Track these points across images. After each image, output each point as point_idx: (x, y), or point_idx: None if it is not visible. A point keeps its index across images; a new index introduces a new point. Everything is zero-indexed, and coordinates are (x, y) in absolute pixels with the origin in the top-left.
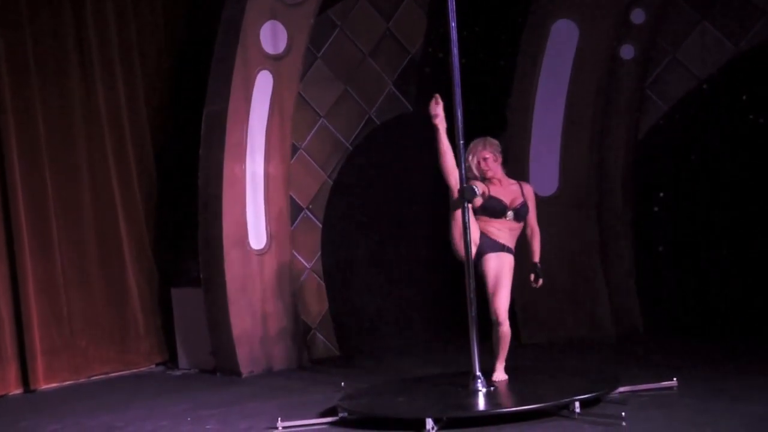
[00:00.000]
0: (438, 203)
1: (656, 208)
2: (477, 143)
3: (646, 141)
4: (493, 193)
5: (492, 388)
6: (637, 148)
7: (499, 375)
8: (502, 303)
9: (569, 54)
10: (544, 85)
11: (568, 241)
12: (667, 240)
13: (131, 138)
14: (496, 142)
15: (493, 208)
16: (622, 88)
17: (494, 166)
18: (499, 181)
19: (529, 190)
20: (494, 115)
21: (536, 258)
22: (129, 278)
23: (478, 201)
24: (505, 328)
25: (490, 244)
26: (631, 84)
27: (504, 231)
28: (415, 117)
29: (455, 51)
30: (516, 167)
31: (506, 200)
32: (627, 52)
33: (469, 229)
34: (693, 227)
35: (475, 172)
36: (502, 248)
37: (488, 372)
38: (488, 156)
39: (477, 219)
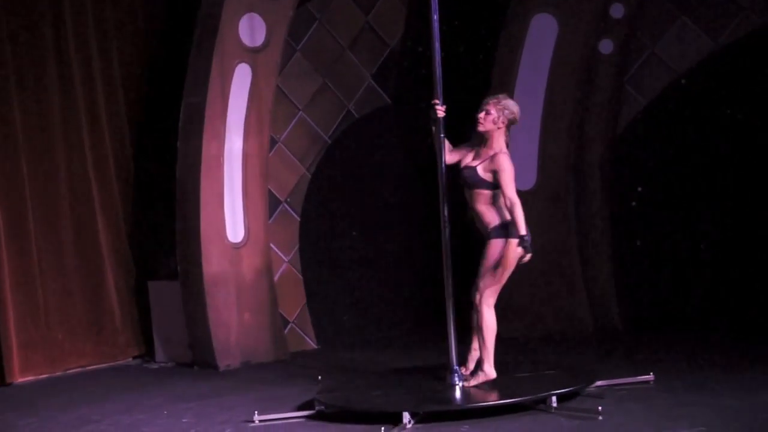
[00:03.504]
0: (417, 195)
1: (634, 203)
2: (491, 97)
3: (624, 135)
4: (465, 158)
5: (462, 384)
6: (615, 143)
7: (487, 373)
8: (481, 286)
9: (548, 48)
10: (524, 79)
11: (546, 235)
12: (645, 234)
13: (109, 129)
14: (512, 108)
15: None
16: (600, 83)
17: (487, 121)
18: (487, 143)
19: (498, 158)
20: (474, 109)
21: (522, 231)
22: (106, 271)
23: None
24: (484, 316)
25: (480, 228)
26: (609, 78)
27: (476, 204)
28: (393, 110)
29: (437, 45)
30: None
31: (465, 162)
32: (606, 46)
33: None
34: (671, 222)
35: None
36: (488, 234)
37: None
38: (491, 111)
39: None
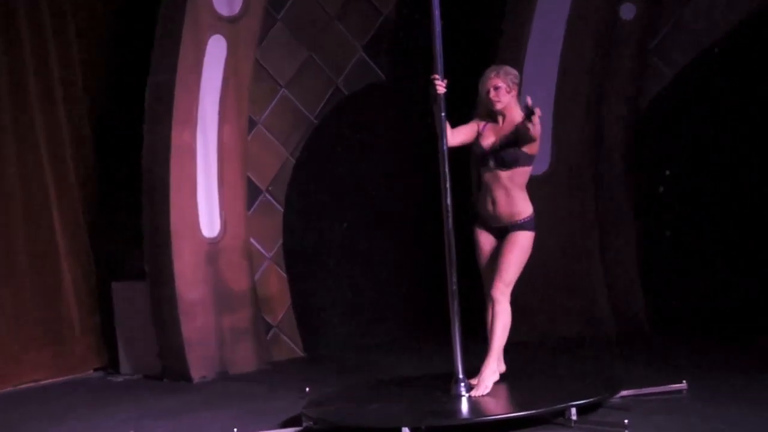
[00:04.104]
0: (415, 183)
1: (662, 189)
2: (491, 70)
3: (649, 113)
4: (485, 138)
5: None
6: (639, 121)
7: (487, 375)
8: (502, 281)
9: (562, 16)
10: (534, 51)
11: (562, 226)
12: (675, 224)
13: (65, 113)
14: (514, 71)
15: (475, 155)
16: (622, 53)
17: (506, 98)
18: (505, 118)
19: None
20: (477, 86)
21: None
22: (63, 272)
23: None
24: (504, 308)
25: (482, 216)
26: (632, 48)
27: (495, 189)
28: (388, 87)
29: (437, 13)
30: None
31: (489, 143)
32: (627, 11)
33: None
34: (704, 209)
35: (486, 103)
36: (513, 224)
37: (473, 373)
38: (501, 85)
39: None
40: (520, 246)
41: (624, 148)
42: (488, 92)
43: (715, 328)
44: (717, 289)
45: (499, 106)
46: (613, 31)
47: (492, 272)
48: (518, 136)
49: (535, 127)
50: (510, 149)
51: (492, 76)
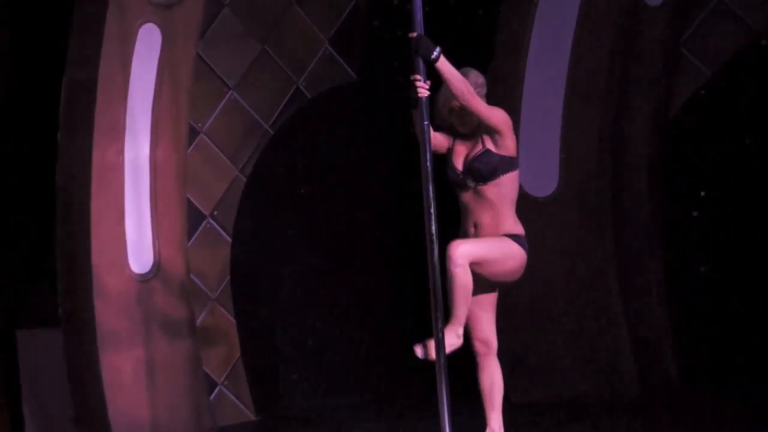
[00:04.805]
0: (392, 206)
1: (695, 213)
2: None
3: (681, 120)
4: (455, 155)
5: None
6: (668, 131)
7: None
8: (489, 331)
9: (574, 1)
10: (539, 43)
11: (572, 261)
12: (711, 255)
13: None
14: (481, 78)
15: (451, 181)
16: (647, 47)
17: (473, 116)
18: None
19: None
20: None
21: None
22: None
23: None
24: (490, 361)
25: None
26: (659, 41)
27: (479, 210)
28: (359, 89)
29: None
30: None
31: (461, 160)
32: None
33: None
34: (746, 238)
35: (446, 118)
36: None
37: None
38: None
39: None
40: (508, 250)
41: (649, 163)
42: (449, 111)
43: (761, 383)
44: (764, 336)
45: (464, 130)
46: (636, 19)
47: (481, 318)
48: (483, 135)
49: (457, 86)
50: (482, 157)
51: (450, 96)
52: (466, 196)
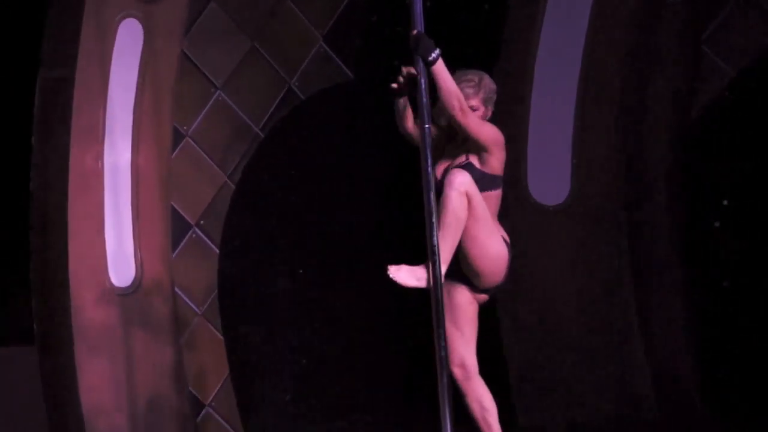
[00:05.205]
0: (391, 216)
1: (717, 224)
2: (466, 80)
3: (702, 123)
4: (439, 165)
5: None
6: (688, 135)
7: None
8: (465, 350)
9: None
10: (549, 43)
11: (585, 274)
12: (735, 270)
13: None
14: (493, 85)
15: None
16: (665, 45)
17: (472, 120)
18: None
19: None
20: None
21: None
22: None
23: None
24: (482, 391)
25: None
26: (678, 38)
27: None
28: (356, 88)
29: None
30: (505, 166)
31: (441, 169)
32: None
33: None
34: None
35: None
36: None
37: None
38: (476, 105)
39: None
40: (498, 241)
41: (668, 170)
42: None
43: None
44: None
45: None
46: (654, 15)
47: (454, 339)
48: (471, 147)
49: (448, 98)
50: (470, 171)
51: (470, 92)
52: None
